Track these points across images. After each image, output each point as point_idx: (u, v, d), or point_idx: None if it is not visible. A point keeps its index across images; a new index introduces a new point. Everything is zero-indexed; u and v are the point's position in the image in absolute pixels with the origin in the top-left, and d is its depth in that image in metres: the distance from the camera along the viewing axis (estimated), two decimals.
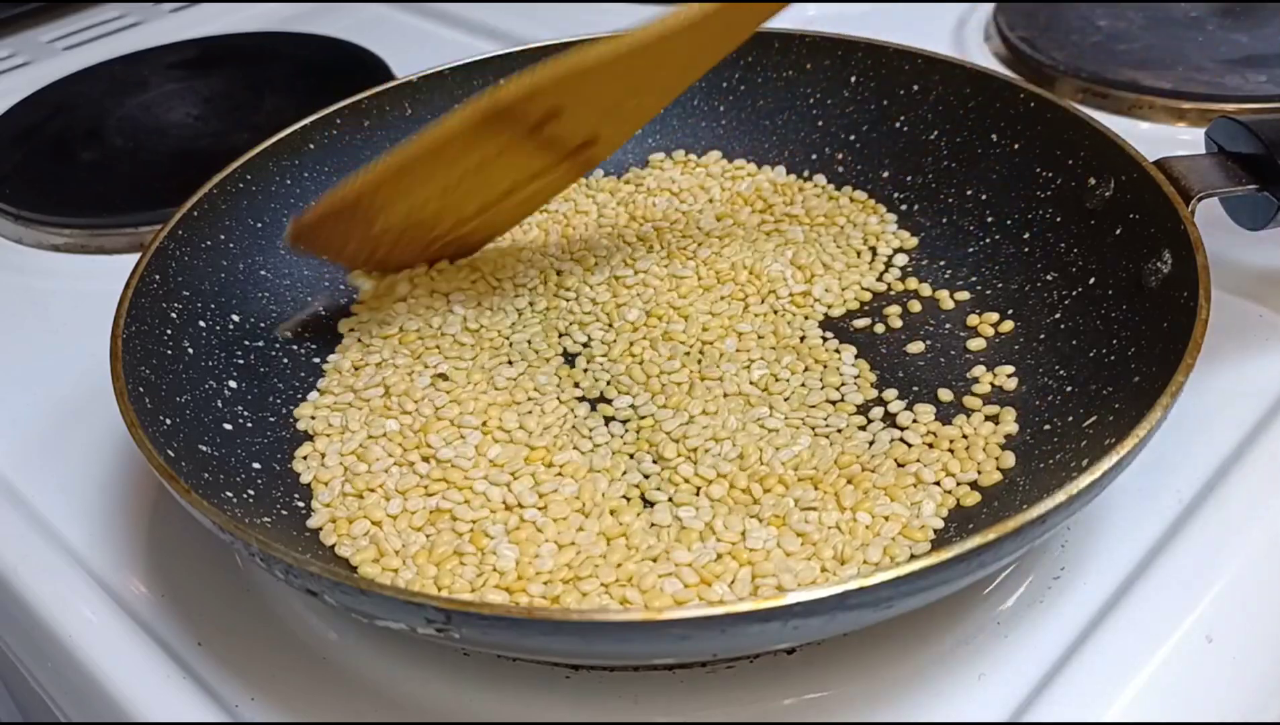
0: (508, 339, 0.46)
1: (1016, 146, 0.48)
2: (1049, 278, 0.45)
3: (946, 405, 0.42)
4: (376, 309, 0.48)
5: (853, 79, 0.53)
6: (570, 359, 0.45)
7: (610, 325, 0.47)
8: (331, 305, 0.48)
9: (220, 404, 0.42)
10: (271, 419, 0.43)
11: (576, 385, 0.44)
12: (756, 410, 0.42)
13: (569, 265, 0.49)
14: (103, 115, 0.66)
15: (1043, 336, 0.44)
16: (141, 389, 0.38)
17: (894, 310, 0.47)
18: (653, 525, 0.38)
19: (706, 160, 0.55)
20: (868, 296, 0.48)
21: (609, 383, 0.44)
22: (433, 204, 0.44)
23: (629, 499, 0.39)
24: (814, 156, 0.54)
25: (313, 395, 0.44)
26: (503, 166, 0.43)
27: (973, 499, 0.38)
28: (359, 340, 0.46)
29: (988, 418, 0.41)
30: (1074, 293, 0.44)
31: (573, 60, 0.39)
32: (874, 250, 0.50)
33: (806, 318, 0.46)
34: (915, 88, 0.51)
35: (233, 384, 0.43)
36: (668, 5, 0.39)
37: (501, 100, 0.39)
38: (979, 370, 0.43)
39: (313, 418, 0.43)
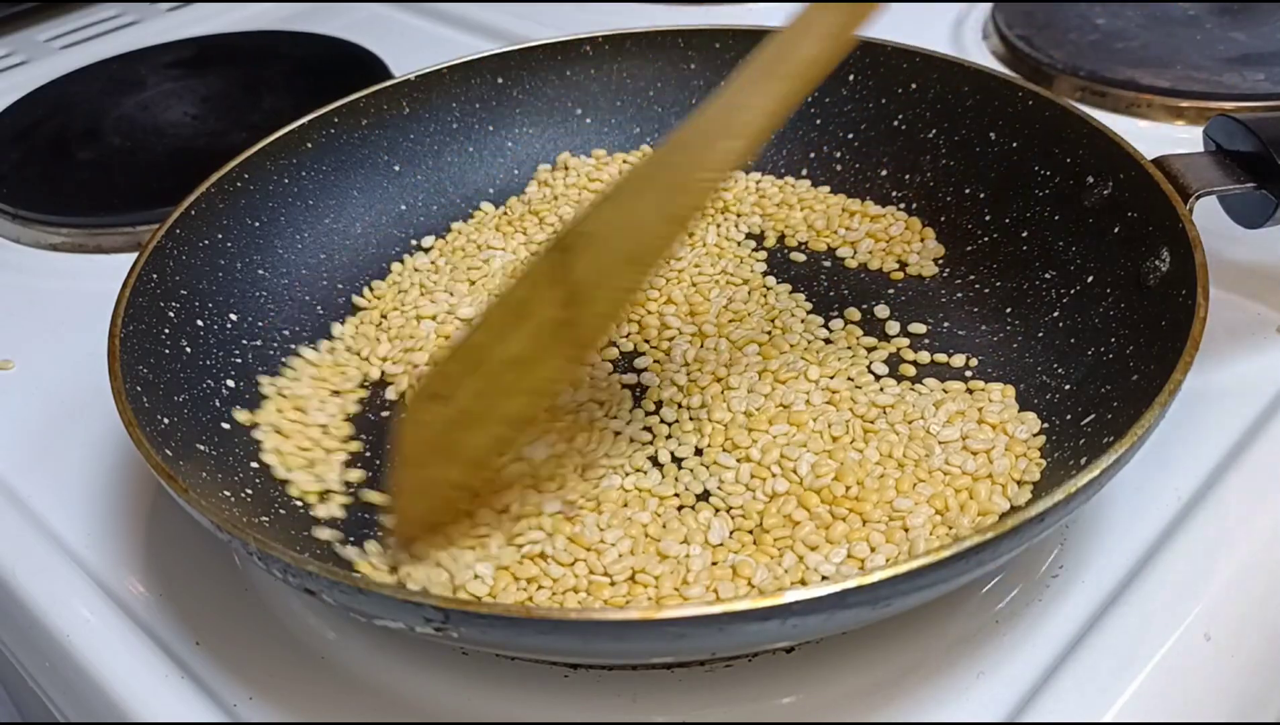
0: None
1: (1015, 145, 0.48)
2: (1047, 276, 0.45)
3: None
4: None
5: (850, 77, 0.53)
6: None
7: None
8: (330, 304, 0.48)
9: (218, 403, 0.42)
10: None
11: None
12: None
13: None
14: (100, 114, 0.66)
15: (1041, 335, 0.44)
16: (139, 388, 0.38)
17: (891, 309, 0.47)
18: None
19: None
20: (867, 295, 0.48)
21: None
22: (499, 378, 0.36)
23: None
24: (812, 155, 0.54)
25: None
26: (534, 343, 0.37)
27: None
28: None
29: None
30: (1072, 291, 0.44)
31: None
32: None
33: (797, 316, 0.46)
34: (913, 86, 0.51)
35: (230, 383, 0.43)
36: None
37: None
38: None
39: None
